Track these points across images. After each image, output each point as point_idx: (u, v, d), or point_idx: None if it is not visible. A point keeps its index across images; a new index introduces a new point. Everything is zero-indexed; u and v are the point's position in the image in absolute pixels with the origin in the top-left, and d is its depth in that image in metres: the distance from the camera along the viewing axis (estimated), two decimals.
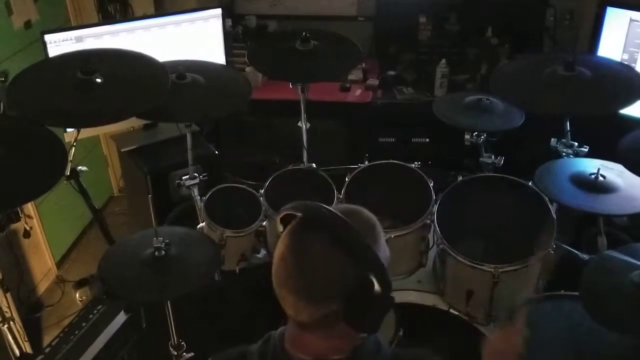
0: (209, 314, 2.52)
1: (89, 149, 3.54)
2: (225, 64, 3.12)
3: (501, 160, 2.60)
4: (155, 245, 1.92)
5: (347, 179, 2.50)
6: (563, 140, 2.47)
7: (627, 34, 2.85)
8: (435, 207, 2.36)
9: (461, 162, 3.05)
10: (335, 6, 3.80)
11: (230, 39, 3.43)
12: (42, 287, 3.23)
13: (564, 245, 2.36)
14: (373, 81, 3.62)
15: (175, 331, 2.08)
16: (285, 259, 1.04)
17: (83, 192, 2.47)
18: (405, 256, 2.39)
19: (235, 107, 2.57)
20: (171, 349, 2.11)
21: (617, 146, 2.07)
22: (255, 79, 3.41)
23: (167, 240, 1.94)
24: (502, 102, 2.58)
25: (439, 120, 2.59)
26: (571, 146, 2.45)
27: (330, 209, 1.05)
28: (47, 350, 2.21)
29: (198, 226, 2.50)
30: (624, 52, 2.88)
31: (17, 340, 2.25)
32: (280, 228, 1.08)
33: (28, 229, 2.99)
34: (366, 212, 1.12)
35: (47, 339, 2.83)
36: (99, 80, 2.12)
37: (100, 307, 2.38)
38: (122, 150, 3.18)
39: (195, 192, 2.57)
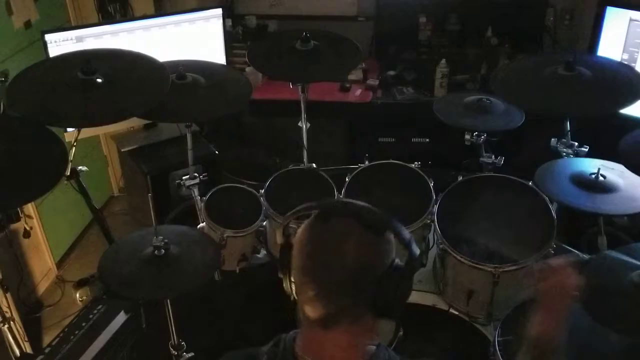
0: (209, 314, 2.52)
1: (89, 149, 3.54)
2: (225, 64, 3.12)
3: (501, 160, 2.60)
4: (155, 245, 1.92)
5: (347, 179, 2.50)
6: (563, 140, 2.47)
7: (627, 34, 2.85)
8: (435, 207, 2.36)
9: (461, 162, 3.05)
10: (335, 6, 3.80)
11: (230, 39, 3.43)
12: (42, 287, 3.23)
13: (564, 245, 2.36)
14: (373, 81, 3.62)
15: (175, 331, 2.08)
16: (315, 252, 1.01)
17: (83, 192, 2.47)
18: (406, 256, 2.39)
19: (235, 107, 2.57)
20: (171, 349, 2.11)
21: (617, 146, 2.07)
22: (255, 79, 3.41)
23: (166, 240, 1.94)
24: (502, 102, 2.58)
25: (439, 120, 2.59)
26: (571, 146, 2.45)
27: (342, 199, 1.05)
28: (47, 350, 2.21)
29: (198, 226, 2.50)
30: (624, 52, 2.88)
31: (17, 340, 2.25)
32: (280, 239, 1.07)
33: (28, 229, 2.99)
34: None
35: (47, 339, 2.83)
36: (99, 80, 2.12)
37: (100, 307, 2.38)
38: (122, 150, 3.18)
39: (196, 192, 2.57)
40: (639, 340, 1.79)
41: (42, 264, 3.23)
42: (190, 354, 2.12)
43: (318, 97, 3.13)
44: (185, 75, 2.37)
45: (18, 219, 2.92)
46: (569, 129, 2.45)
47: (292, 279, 1.06)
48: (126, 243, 2.08)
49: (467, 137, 2.62)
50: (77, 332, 2.28)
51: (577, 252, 2.37)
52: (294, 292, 1.07)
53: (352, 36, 2.73)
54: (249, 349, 1.16)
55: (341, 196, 2.45)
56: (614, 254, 1.89)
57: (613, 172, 2.21)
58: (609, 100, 2.19)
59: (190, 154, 2.54)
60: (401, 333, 2.04)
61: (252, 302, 2.55)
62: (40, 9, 3.05)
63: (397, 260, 1.03)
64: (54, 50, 2.66)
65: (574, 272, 1.28)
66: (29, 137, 1.98)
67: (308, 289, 1.02)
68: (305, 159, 2.77)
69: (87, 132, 2.64)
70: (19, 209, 2.85)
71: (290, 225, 1.11)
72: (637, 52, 2.84)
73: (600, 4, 2.97)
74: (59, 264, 3.38)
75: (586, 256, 2.30)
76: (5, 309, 2.23)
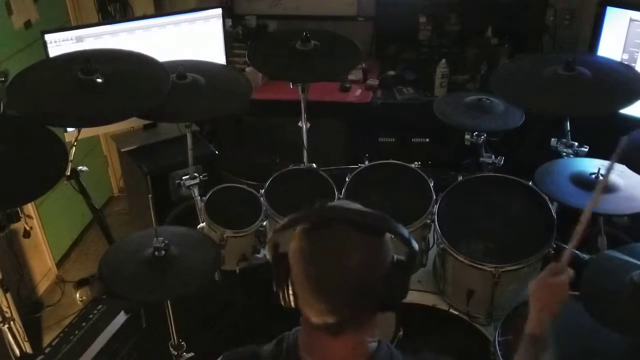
0: (209, 314, 2.52)
1: (89, 149, 3.54)
2: (225, 64, 3.12)
3: (501, 160, 2.60)
4: (155, 245, 1.92)
5: (347, 179, 2.50)
6: (563, 140, 2.47)
7: (627, 34, 2.85)
8: (435, 207, 2.36)
9: (461, 162, 3.05)
10: (335, 6, 3.80)
11: (230, 39, 3.43)
12: (42, 287, 3.23)
13: (564, 245, 2.35)
14: (373, 81, 3.62)
15: (175, 331, 2.08)
16: (316, 263, 0.98)
17: (83, 192, 2.47)
18: (404, 252, 2.39)
19: (235, 107, 2.57)
20: (171, 349, 2.11)
21: (617, 146, 2.06)
22: (255, 79, 3.41)
23: (167, 240, 1.94)
24: (502, 102, 2.58)
25: (439, 120, 2.59)
26: (571, 146, 2.45)
27: (335, 204, 1.05)
28: (47, 350, 2.22)
29: (198, 226, 2.50)
30: (624, 52, 2.88)
31: (17, 340, 2.25)
32: (269, 255, 1.05)
33: (28, 229, 2.98)
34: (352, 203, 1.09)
35: (47, 339, 2.83)
36: (99, 80, 2.12)
37: (100, 307, 2.39)
38: (122, 150, 3.18)
39: (196, 192, 2.57)
40: (639, 340, 1.80)
41: (42, 264, 3.23)
42: (190, 354, 2.12)
43: (318, 97, 3.13)
44: (185, 75, 2.37)
45: (18, 219, 2.92)
46: (569, 129, 2.46)
47: (292, 292, 1.03)
48: (126, 243, 2.08)
49: (467, 137, 2.62)
50: (77, 332, 2.28)
51: (577, 252, 2.37)
52: (294, 303, 1.04)
53: (352, 36, 2.74)
54: (250, 346, 1.15)
55: (341, 196, 2.45)
56: (614, 254, 1.89)
57: (613, 172, 2.21)
58: (609, 100, 2.20)
59: (190, 154, 2.54)
60: (401, 333, 2.05)
61: (252, 302, 2.55)
62: (40, 9, 3.04)
63: (396, 256, 1.03)
64: (53, 50, 2.66)
65: (565, 268, 1.29)
66: (29, 137, 1.98)
67: (315, 302, 0.99)
68: (305, 159, 2.77)
69: (87, 132, 2.64)
70: (19, 209, 2.85)
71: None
72: (637, 52, 2.84)
73: (600, 4, 2.96)
74: (59, 264, 3.38)
75: (586, 256, 2.31)
76: (5, 309, 2.23)
